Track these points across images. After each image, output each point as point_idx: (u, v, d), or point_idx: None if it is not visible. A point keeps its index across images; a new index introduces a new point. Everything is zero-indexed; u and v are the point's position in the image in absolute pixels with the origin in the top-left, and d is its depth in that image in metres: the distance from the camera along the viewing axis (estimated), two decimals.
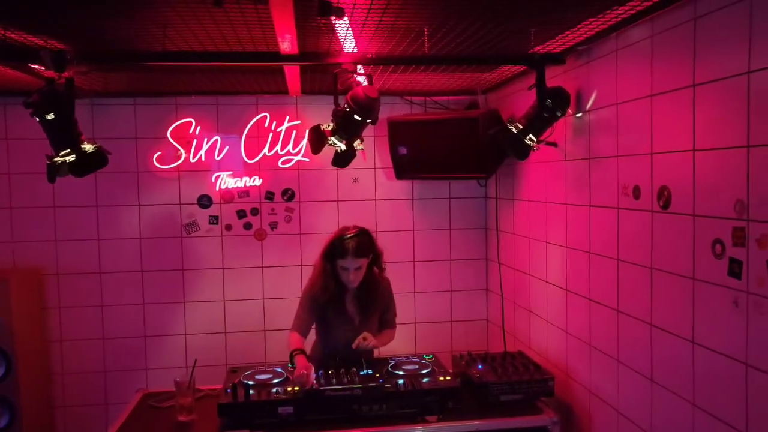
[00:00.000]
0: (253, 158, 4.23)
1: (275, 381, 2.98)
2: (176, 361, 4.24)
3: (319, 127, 2.89)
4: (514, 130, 2.91)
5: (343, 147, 2.89)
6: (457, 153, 3.86)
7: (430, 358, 3.32)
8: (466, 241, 4.53)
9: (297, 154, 4.26)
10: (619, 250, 2.61)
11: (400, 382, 2.94)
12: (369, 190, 4.40)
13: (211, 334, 4.28)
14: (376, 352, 3.41)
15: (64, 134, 2.65)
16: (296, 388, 2.84)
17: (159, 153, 4.14)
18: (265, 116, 4.22)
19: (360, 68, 2.94)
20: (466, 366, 3.23)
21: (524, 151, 2.93)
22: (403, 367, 3.17)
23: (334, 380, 2.93)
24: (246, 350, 4.28)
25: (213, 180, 4.22)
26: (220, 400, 2.79)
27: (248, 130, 4.20)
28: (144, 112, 4.14)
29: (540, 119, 2.90)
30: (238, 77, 3.61)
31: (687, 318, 2.15)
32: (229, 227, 4.27)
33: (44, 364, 4.09)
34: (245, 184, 4.25)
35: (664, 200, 2.27)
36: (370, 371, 3.08)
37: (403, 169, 4.11)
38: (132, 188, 4.15)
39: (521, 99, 3.68)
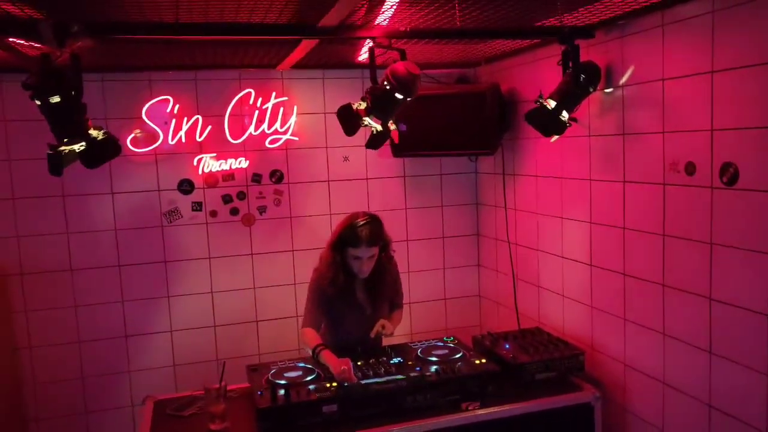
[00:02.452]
0: (238, 138, 3.91)
1: (309, 378, 2.81)
2: (162, 360, 3.92)
3: (351, 107, 2.68)
4: (548, 107, 2.84)
5: (379, 127, 2.70)
6: (459, 129, 3.74)
7: (454, 341, 3.26)
8: (457, 218, 4.46)
9: (285, 132, 3.99)
10: (665, 226, 2.63)
11: (434, 368, 2.85)
12: (360, 168, 4.21)
13: (200, 328, 3.98)
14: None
15: (71, 120, 2.30)
16: (334, 384, 2.70)
17: (133, 135, 3.74)
18: (250, 92, 3.89)
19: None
20: (492, 346, 3.19)
21: (559, 129, 2.88)
22: (433, 352, 3.08)
23: (371, 372, 2.81)
24: (238, 344, 4.02)
25: (195, 163, 3.87)
26: (257, 404, 2.59)
27: (231, 108, 3.87)
28: (114, 90, 3.70)
29: (573, 95, 2.85)
30: (220, 49, 3.26)
31: (761, 292, 2.18)
32: (214, 213, 3.95)
33: (13, 374, 3.63)
34: (230, 167, 3.93)
35: (728, 177, 2.28)
36: (400, 360, 2.98)
37: (402, 146, 3.94)
38: (103, 174, 3.71)
39: (520, 73, 3.63)
